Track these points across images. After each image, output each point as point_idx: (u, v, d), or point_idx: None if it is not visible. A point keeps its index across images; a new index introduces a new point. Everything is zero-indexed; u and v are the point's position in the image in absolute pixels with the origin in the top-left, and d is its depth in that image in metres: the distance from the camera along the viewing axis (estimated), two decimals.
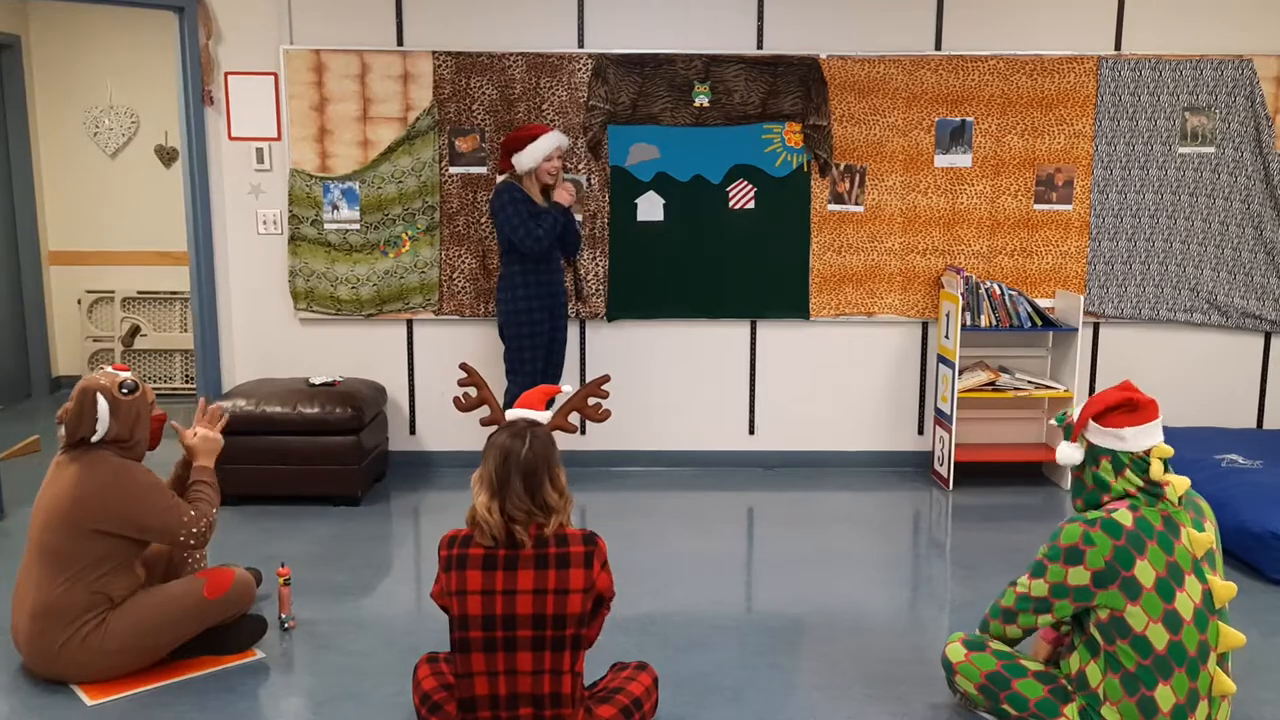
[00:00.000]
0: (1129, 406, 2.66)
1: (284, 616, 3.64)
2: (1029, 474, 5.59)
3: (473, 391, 3.31)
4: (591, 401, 3.17)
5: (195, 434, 3.50)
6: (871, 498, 5.30)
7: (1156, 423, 2.69)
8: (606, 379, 3.23)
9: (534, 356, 4.97)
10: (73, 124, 7.25)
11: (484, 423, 3.21)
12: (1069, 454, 2.76)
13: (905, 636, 3.69)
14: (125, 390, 3.18)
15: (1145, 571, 2.55)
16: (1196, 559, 2.60)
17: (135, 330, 7.39)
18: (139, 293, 7.40)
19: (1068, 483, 5.34)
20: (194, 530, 3.23)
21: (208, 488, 3.39)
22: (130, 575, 3.23)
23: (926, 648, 3.53)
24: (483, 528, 2.58)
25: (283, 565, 3.70)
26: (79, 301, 7.40)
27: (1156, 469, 2.65)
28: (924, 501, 5.26)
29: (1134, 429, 2.66)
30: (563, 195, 4.92)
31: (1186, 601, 2.55)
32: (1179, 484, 2.67)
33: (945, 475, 5.35)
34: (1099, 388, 5.56)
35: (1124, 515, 2.61)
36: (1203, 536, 2.61)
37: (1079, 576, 2.61)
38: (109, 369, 3.26)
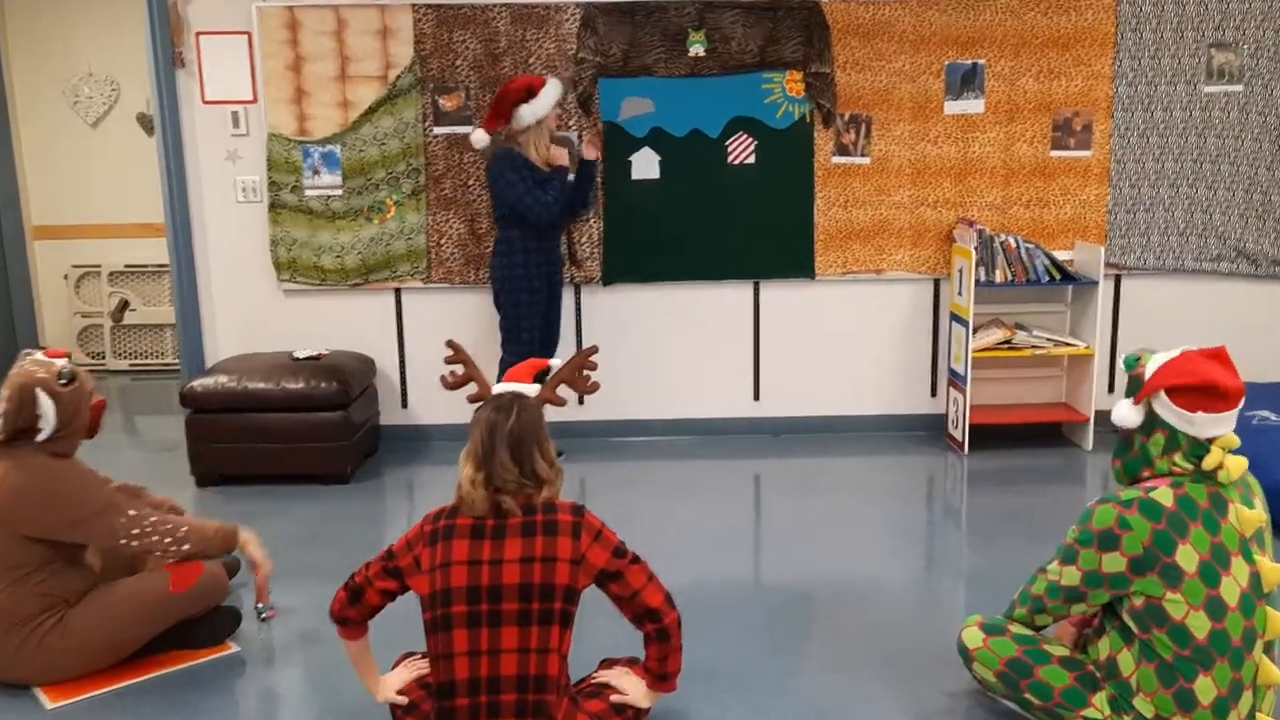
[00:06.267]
0: (1214, 393, 2.34)
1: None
2: (1048, 435, 5.38)
3: (459, 369, 3.11)
4: (580, 374, 2.96)
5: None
6: (883, 463, 5.10)
7: (1234, 413, 2.39)
8: (594, 350, 3.03)
9: (531, 325, 4.80)
10: (51, 93, 7.04)
11: (471, 399, 3.02)
12: (1128, 415, 2.45)
13: (919, 613, 3.50)
14: (64, 382, 2.96)
15: (1188, 556, 2.31)
16: (1245, 539, 2.35)
17: (124, 305, 7.21)
18: (127, 266, 7.21)
19: (1089, 444, 5.13)
20: (134, 531, 2.99)
21: (207, 529, 3.17)
22: (80, 571, 3.04)
23: (942, 625, 3.34)
24: (468, 503, 2.41)
25: None
26: (65, 277, 7.23)
27: (1213, 459, 2.36)
28: (938, 466, 5.07)
29: (1209, 416, 2.36)
30: (559, 156, 4.71)
31: (1232, 586, 2.31)
32: (1235, 467, 2.40)
33: (960, 439, 5.15)
34: (1121, 343, 5.38)
35: (1164, 494, 2.36)
36: (1252, 514, 2.36)
37: (1114, 563, 2.37)
38: (40, 355, 3.02)
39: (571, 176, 4.86)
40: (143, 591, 3.07)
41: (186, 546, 3.08)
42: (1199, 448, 2.38)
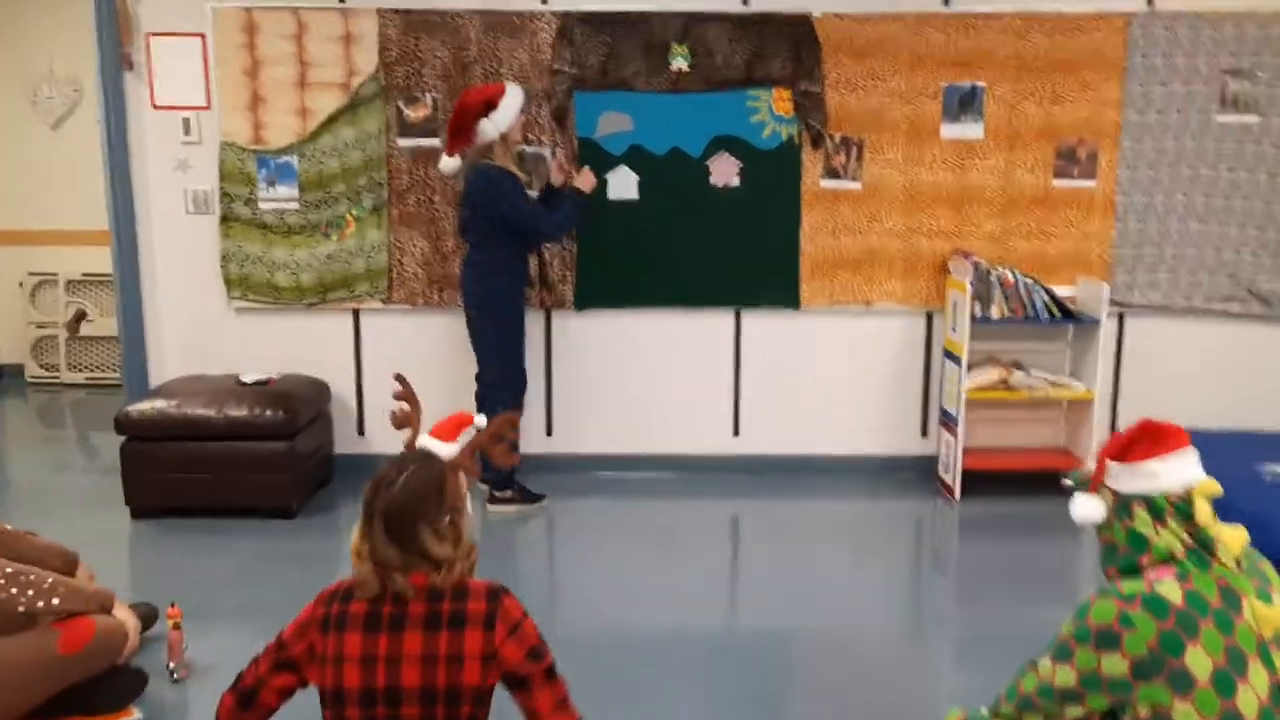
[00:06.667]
0: (1153, 435, 2.16)
1: (173, 666, 3.13)
2: (1045, 482, 5.03)
3: (408, 406, 2.79)
4: (499, 443, 2.61)
5: None
6: (869, 508, 4.84)
7: (1189, 452, 2.16)
8: (517, 419, 2.69)
9: (522, 351, 4.58)
10: (10, 93, 6.75)
11: (406, 446, 2.69)
12: (1089, 509, 2.21)
13: (902, 678, 3.24)
14: None
15: (1199, 660, 2.00)
16: (1263, 641, 2.04)
17: (80, 315, 6.91)
18: (84, 275, 6.92)
19: None
20: None
21: (83, 587, 2.87)
22: None
23: (925, 692, 3.10)
24: (358, 580, 2.07)
25: (173, 605, 3.19)
26: (20, 285, 6.94)
27: (1203, 511, 2.11)
28: (928, 512, 4.80)
29: (1165, 461, 2.13)
30: (587, 181, 4.60)
31: (1250, 697, 2.00)
32: (1233, 540, 2.12)
33: (951, 483, 4.88)
34: (1125, 386, 5.13)
35: (1171, 589, 2.06)
36: (1271, 612, 2.05)
37: (1114, 665, 2.06)
38: None
39: (535, 192, 4.63)
40: (26, 652, 2.73)
41: (56, 601, 2.76)
42: (1183, 506, 2.10)
